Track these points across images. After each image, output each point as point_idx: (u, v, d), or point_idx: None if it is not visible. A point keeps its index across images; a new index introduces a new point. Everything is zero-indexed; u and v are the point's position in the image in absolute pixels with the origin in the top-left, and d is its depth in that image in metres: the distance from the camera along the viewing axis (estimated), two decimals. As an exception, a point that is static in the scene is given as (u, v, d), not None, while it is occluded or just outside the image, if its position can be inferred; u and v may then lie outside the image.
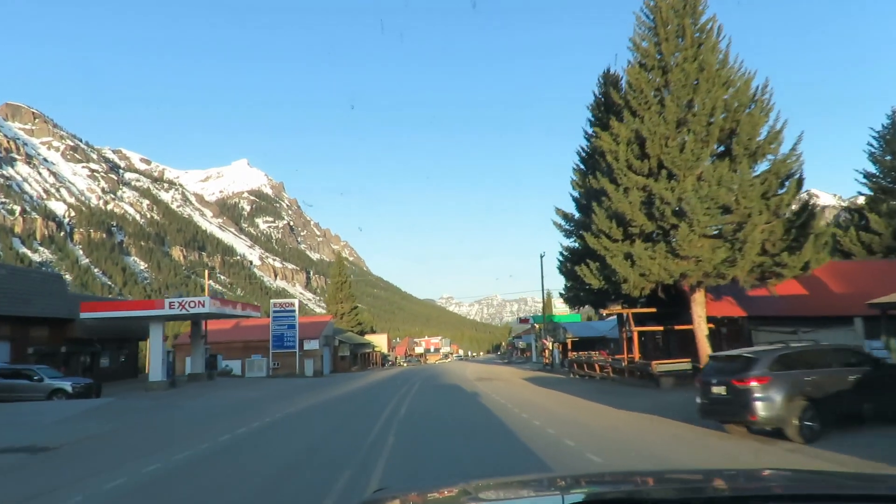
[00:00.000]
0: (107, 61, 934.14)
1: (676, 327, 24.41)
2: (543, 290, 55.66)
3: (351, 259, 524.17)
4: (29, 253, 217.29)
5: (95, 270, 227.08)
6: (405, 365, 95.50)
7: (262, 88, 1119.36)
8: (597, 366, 29.23)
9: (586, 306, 33.88)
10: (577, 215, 28.58)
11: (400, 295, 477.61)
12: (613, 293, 25.45)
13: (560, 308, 61.67)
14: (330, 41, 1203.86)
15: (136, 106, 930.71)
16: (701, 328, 20.35)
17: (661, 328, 26.02)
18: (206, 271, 65.97)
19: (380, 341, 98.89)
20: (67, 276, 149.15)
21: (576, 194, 29.12)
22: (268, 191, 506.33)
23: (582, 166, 29.39)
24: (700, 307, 20.43)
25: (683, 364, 21.74)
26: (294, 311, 51.80)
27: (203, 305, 30.83)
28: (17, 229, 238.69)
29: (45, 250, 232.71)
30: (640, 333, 26.06)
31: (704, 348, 19.83)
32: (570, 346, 43.51)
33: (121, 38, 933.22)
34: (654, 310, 25.08)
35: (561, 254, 29.76)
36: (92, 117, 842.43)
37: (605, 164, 22.12)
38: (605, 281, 22.01)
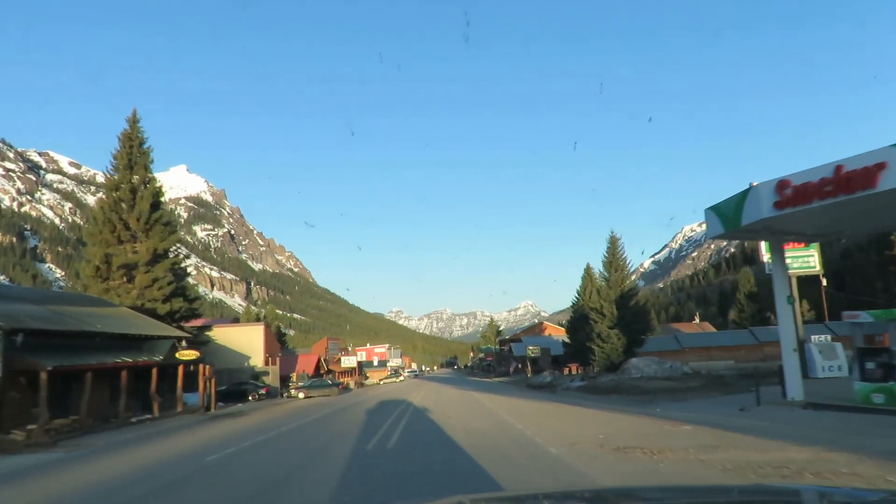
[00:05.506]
0: (46, 59, 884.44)
1: None
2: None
3: (296, 270, 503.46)
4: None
5: (1, 277, 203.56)
6: (300, 396, 43.04)
7: (208, 95, 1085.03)
8: None
9: None
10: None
11: (347, 308, 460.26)
12: None
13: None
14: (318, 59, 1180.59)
15: (81, 110, 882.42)
16: None
17: None
18: None
19: (247, 339, 48.02)
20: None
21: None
22: (208, 198, 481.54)
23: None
24: None
25: None
26: None
27: None
28: None
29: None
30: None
31: None
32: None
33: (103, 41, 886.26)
34: None
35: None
36: (19, 116, 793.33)
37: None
38: None
